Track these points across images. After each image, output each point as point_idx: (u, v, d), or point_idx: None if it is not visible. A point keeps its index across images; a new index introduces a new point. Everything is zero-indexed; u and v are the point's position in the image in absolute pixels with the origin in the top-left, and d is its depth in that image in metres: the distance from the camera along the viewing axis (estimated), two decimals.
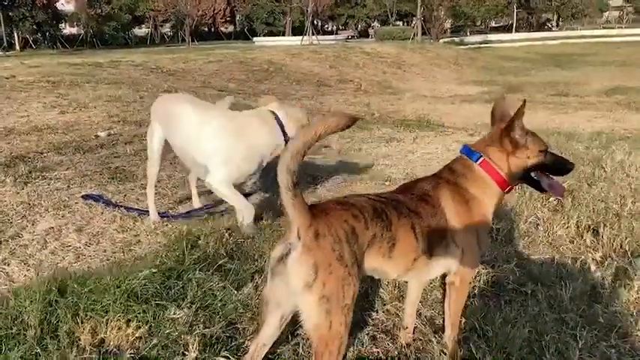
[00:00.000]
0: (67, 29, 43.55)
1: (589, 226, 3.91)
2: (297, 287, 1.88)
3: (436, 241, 2.21)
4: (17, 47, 30.13)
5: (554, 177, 2.42)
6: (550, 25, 61.75)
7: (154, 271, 2.68)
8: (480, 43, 40.25)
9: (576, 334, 2.58)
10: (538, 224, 4.01)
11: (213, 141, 3.63)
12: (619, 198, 4.53)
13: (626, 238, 3.67)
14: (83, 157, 6.28)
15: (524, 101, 2.40)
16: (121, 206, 4.35)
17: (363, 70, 21.93)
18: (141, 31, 52.78)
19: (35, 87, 11.46)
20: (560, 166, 2.41)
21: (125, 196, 4.81)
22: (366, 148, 7.18)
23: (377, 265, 2.11)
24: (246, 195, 4.01)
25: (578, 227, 3.92)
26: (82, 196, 4.57)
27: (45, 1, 36.65)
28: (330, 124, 1.89)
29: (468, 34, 47.18)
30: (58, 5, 40.13)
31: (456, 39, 40.71)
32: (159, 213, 4.20)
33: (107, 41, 42.12)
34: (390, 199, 2.20)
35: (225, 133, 3.63)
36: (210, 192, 4.19)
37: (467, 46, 36.14)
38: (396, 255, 2.11)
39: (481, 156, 2.35)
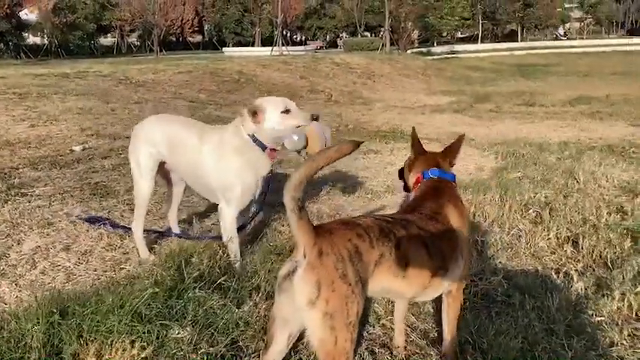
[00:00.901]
0: (31, 39, 42.66)
1: (568, 238, 4.06)
2: (302, 304, 1.94)
3: (449, 256, 2.33)
4: None
5: None
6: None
7: (156, 290, 2.69)
8: (447, 53, 41.02)
9: (566, 343, 2.69)
10: (520, 236, 4.14)
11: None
12: (594, 209, 4.71)
13: (605, 248, 3.83)
14: (60, 172, 6.21)
15: (462, 136, 2.79)
16: (128, 228, 4.13)
17: (334, 81, 22.15)
18: (107, 40, 52.07)
19: (1, 99, 11.23)
20: None
21: (109, 212, 4.77)
22: (344, 160, 7.24)
23: (390, 285, 2.17)
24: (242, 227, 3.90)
25: (557, 238, 4.07)
26: (85, 220, 4.43)
27: (8, 11, 35.90)
28: (332, 155, 2.01)
29: (435, 44, 47.99)
30: (22, 14, 39.33)
31: (424, 50, 41.39)
32: (147, 230, 4.15)
33: (72, 51, 41.44)
34: (399, 219, 2.29)
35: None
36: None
37: (434, 57, 36.78)
38: (410, 274, 2.18)
39: (454, 176, 2.69)
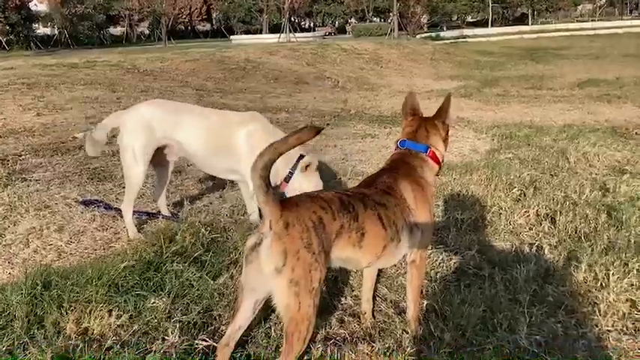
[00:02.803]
0: (41, 30, 43.06)
1: (547, 214, 4.15)
2: (269, 272, 2.07)
3: (402, 227, 2.43)
4: None
5: None
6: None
7: (132, 263, 2.84)
8: (457, 38, 40.70)
9: (527, 311, 2.80)
10: (501, 213, 4.23)
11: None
12: (578, 187, 4.78)
13: (581, 223, 3.91)
14: (61, 158, 6.38)
15: (449, 95, 2.81)
16: (139, 212, 4.34)
17: (341, 67, 22.13)
18: (116, 30, 52.32)
19: (10, 89, 11.46)
20: None
21: (105, 195, 4.93)
22: (341, 144, 7.37)
23: (348, 255, 2.31)
24: None
25: (537, 215, 4.16)
26: (81, 202, 4.59)
27: (18, 2, 36.23)
28: (292, 142, 2.11)
29: (445, 29, 47.62)
30: (31, 5, 39.65)
31: (433, 34, 41.10)
32: (137, 211, 4.31)
33: (82, 41, 41.72)
34: (357, 193, 2.42)
35: None
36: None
37: (443, 42, 36.53)
38: (365, 244, 2.32)
39: (428, 147, 2.67)
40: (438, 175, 2.84)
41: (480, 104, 13.16)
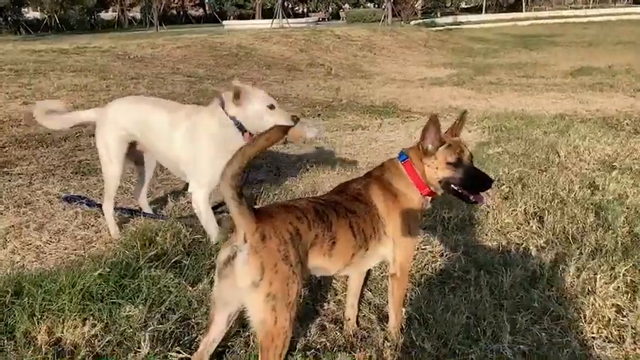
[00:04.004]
0: (31, 14, 42.45)
1: (535, 213, 4.10)
2: (245, 286, 2.00)
3: (371, 235, 2.37)
4: None
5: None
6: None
7: (107, 270, 2.77)
8: (451, 24, 40.43)
9: (512, 318, 2.75)
10: (488, 212, 4.17)
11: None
12: (568, 184, 4.73)
13: (569, 223, 3.86)
14: (46, 150, 6.28)
15: (465, 112, 2.66)
16: (121, 209, 4.29)
17: (334, 54, 21.94)
18: (107, 15, 51.66)
19: None
20: (474, 181, 2.48)
21: (88, 191, 4.85)
22: (331, 137, 7.28)
23: (319, 264, 2.25)
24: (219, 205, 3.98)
25: (525, 214, 4.10)
26: (63, 198, 4.52)
27: None
28: (262, 143, 2.03)
29: (439, 15, 47.32)
30: None
31: (427, 21, 40.82)
32: (120, 208, 4.24)
33: (72, 26, 41.18)
34: (330, 201, 2.35)
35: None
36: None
37: (437, 28, 36.29)
38: (335, 252, 2.26)
39: (407, 157, 2.55)
40: (423, 202, 2.57)
41: (473, 92, 13.08)
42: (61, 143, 6.66)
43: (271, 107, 3.43)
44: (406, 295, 2.85)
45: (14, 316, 2.50)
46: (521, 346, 2.54)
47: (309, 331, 2.71)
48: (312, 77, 16.16)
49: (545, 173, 5.16)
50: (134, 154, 3.96)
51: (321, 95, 12.07)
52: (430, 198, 2.60)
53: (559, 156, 5.88)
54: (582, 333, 2.72)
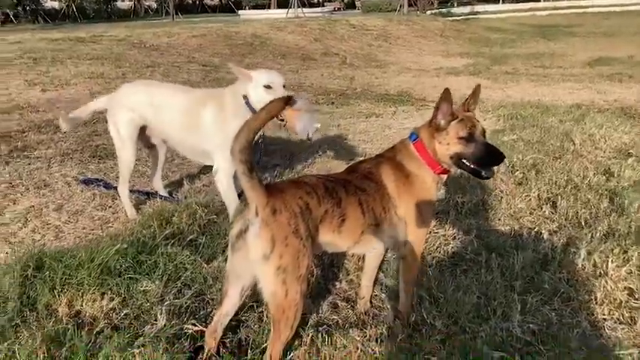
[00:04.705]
0: (49, 3, 42.71)
1: (548, 199, 4.10)
2: (256, 259, 2.05)
3: (380, 214, 2.39)
4: None
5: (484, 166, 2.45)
6: None
7: (125, 246, 2.83)
8: (467, 14, 40.04)
9: (522, 299, 2.77)
10: (501, 197, 4.18)
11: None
12: (582, 171, 4.72)
13: (582, 209, 3.86)
14: (64, 135, 6.36)
15: (478, 86, 2.64)
16: (138, 191, 4.37)
17: (349, 43, 21.86)
18: (124, 4, 51.84)
19: (16, 63, 11.46)
20: (485, 156, 2.44)
21: (105, 174, 4.93)
22: (344, 124, 7.30)
23: (329, 239, 2.29)
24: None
25: (539, 199, 4.11)
26: (81, 181, 4.61)
27: None
28: (263, 116, 2.07)
29: (455, 5, 46.86)
30: None
31: (444, 10, 40.47)
32: (135, 190, 4.31)
33: (89, 15, 41.42)
34: (340, 179, 2.39)
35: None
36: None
37: (453, 18, 35.98)
38: (345, 229, 2.30)
39: (418, 136, 2.53)
40: (437, 180, 2.55)
41: (489, 82, 12.98)
42: (78, 129, 6.72)
43: (268, 87, 3.46)
44: (418, 277, 2.88)
45: (36, 289, 2.58)
46: (531, 325, 2.57)
47: (321, 309, 2.75)
48: (326, 67, 16.14)
49: (559, 160, 5.14)
50: (146, 138, 4.02)
51: (336, 84, 12.06)
52: (445, 177, 2.59)
53: (574, 144, 5.84)
54: (593, 314, 2.73)
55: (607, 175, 4.63)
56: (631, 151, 5.58)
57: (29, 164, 5.07)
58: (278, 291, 2.07)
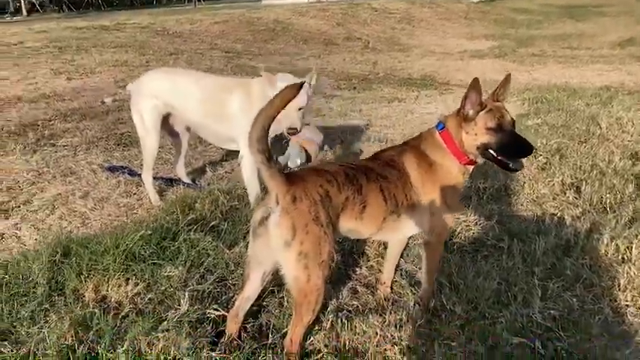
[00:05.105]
0: None
1: (572, 184, 4.05)
2: (278, 245, 2.08)
3: (402, 201, 2.39)
4: (24, 12, 30.12)
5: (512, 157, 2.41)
6: None
7: (149, 232, 2.89)
8: None
9: (543, 284, 2.76)
10: (524, 182, 4.14)
11: None
12: (608, 155, 4.64)
13: (607, 193, 3.81)
14: (89, 123, 6.47)
15: (509, 75, 2.57)
16: (161, 178, 4.44)
17: (372, 27, 21.69)
18: None
19: (43, 52, 11.65)
20: (514, 147, 2.39)
21: (129, 161, 5.00)
22: (366, 109, 7.28)
23: (352, 226, 2.31)
24: None
25: (562, 185, 4.06)
26: (106, 168, 4.70)
27: None
28: (278, 103, 2.11)
29: None
30: None
31: None
32: (159, 177, 4.37)
33: (112, 2, 41.73)
34: (361, 166, 2.40)
35: None
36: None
37: (478, 0, 35.34)
38: (366, 216, 2.31)
39: (444, 126, 2.50)
40: (464, 170, 2.52)
41: (515, 65, 12.79)
42: (103, 117, 6.85)
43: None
44: (439, 264, 2.87)
45: (63, 274, 2.65)
46: (552, 311, 2.56)
47: (342, 294, 2.78)
48: (348, 51, 16.05)
49: (584, 144, 5.06)
50: (169, 126, 4.08)
51: (358, 69, 12.00)
52: (471, 167, 2.56)
53: (600, 127, 5.75)
54: (616, 301, 2.71)
55: (633, 160, 4.55)
56: None
57: (56, 152, 5.17)
58: (300, 276, 2.11)
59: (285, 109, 3.24)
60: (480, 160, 2.53)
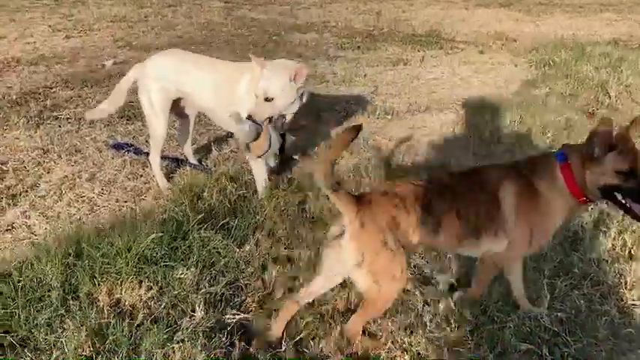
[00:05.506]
0: None
1: None
2: (349, 264, 2.22)
3: (483, 226, 2.38)
4: None
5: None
6: None
7: (160, 234, 2.90)
8: None
9: (551, 282, 2.79)
10: None
11: None
12: None
13: None
14: (91, 91, 6.39)
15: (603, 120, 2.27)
16: (168, 158, 4.40)
17: None
18: None
19: (39, 5, 11.38)
20: None
21: (134, 137, 4.96)
22: (371, 73, 7.15)
23: (427, 243, 2.44)
24: None
25: None
26: (111, 146, 4.66)
27: None
28: (339, 147, 2.24)
29: None
30: None
31: None
32: (166, 157, 4.34)
33: None
34: (437, 184, 2.44)
35: None
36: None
37: None
38: (440, 235, 2.35)
39: (566, 158, 2.35)
40: (576, 208, 2.43)
41: (521, 15, 12.48)
42: (104, 83, 6.75)
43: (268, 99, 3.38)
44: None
45: (77, 277, 2.68)
46: (559, 314, 2.60)
47: (351, 295, 2.79)
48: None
49: (593, 118, 5.00)
50: (179, 109, 4.03)
51: (361, 21, 11.69)
52: (585, 206, 2.45)
53: (609, 97, 5.67)
54: (622, 300, 2.75)
55: None
56: None
57: (59, 127, 5.12)
58: (372, 288, 2.24)
59: (257, 97, 3.23)
60: (598, 200, 2.40)
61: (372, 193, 2.39)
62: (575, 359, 2.37)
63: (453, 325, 2.54)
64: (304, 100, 3.63)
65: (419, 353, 2.40)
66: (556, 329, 2.52)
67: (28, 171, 4.21)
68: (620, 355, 2.43)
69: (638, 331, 2.56)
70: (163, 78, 3.79)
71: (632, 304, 2.72)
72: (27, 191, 3.90)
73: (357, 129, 2.18)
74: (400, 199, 2.27)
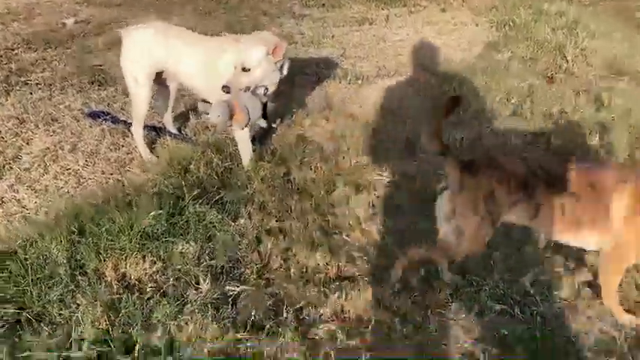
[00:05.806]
0: None
1: (543, 134, 4.30)
2: (441, 216, 2.58)
3: (586, 224, 2.51)
4: None
5: None
6: None
7: (159, 212, 3.04)
8: None
9: (520, 248, 3.09)
10: (497, 133, 4.38)
11: None
12: (574, 97, 4.90)
13: (573, 147, 4.10)
14: (55, 52, 6.27)
15: None
16: (147, 127, 4.31)
17: None
18: None
19: None
20: None
21: (108, 104, 4.97)
22: (338, 34, 7.21)
23: (526, 223, 2.67)
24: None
25: (535, 135, 4.30)
26: (87, 114, 4.65)
27: None
28: (438, 122, 2.48)
29: None
30: None
31: None
32: (146, 126, 4.37)
33: None
34: (546, 171, 2.52)
35: None
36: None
37: None
38: (539, 221, 2.58)
39: None
40: None
41: None
42: (67, 44, 6.62)
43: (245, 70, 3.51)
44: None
45: (82, 253, 2.81)
46: (528, 276, 2.89)
47: (340, 260, 3.01)
48: None
49: (552, 83, 5.29)
50: (162, 81, 4.06)
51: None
52: None
53: (567, 61, 5.95)
54: (582, 260, 3.06)
55: (598, 104, 4.81)
56: (623, 66, 5.74)
57: (31, 94, 5.05)
58: (451, 241, 2.55)
59: (234, 69, 3.34)
60: None
61: (481, 160, 2.60)
62: (542, 317, 2.68)
63: (436, 289, 2.81)
64: (285, 71, 3.75)
65: (405, 314, 2.66)
66: (528, 290, 2.81)
67: (6, 142, 4.21)
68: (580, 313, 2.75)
69: (595, 290, 2.87)
70: (148, 52, 3.81)
71: (591, 265, 3.03)
72: (10, 164, 3.93)
73: (456, 101, 2.48)
74: (507, 175, 2.47)
